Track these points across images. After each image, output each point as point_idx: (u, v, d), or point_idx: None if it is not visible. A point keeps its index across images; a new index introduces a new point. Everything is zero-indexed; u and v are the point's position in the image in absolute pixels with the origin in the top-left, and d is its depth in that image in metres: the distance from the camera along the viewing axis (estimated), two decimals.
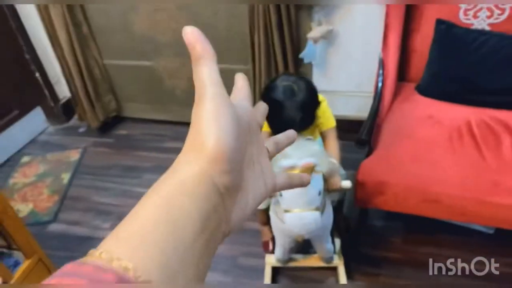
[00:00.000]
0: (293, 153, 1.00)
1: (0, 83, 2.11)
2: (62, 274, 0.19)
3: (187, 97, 2.22)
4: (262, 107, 0.34)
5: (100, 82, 2.24)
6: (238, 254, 1.58)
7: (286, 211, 1.02)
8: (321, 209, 1.09)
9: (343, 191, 1.37)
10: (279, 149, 0.34)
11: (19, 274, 1.21)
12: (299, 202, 1.00)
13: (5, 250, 1.29)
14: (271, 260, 1.45)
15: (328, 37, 1.75)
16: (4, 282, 1.16)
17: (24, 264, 1.24)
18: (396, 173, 1.26)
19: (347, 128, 1.74)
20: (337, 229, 1.54)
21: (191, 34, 0.25)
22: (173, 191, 0.23)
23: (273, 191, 0.30)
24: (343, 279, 1.40)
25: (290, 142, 0.37)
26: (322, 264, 1.43)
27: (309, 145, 1.03)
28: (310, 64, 1.87)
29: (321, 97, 1.23)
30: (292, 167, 0.99)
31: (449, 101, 1.51)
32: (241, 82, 0.31)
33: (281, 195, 1.03)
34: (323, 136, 1.29)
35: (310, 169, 0.95)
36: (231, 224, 0.26)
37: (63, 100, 2.45)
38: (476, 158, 1.28)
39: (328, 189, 1.15)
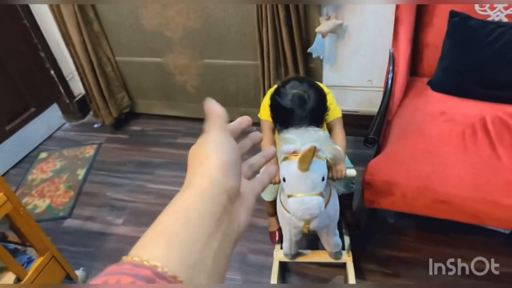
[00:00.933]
0: (297, 139, 0.99)
1: (17, 81, 2.17)
2: (106, 274, 0.22)
3: (199, 93, 2.22)
4: (248, 144, 0.41)
5: (113, 79, 2.27)
6: (247, 251, 1.59)
7: (289, 196, 1.01)
8: (325, 196, 1.08)
9: (349, 179, 1.35)
10: (253, 170, 0.40)
11: (32, 270, 1.25)
12: (302, 186, 0.99)
13: (19, 247, 1.34)
14: (279, 255, 1.45)
15: (338, 31, 1.70)
16: (18, 279, 1.21)
17: (37, 261, 1.29)
18: (404, 173, 1.23)
19: (358, 124, 1.71)
20: (347, 226, 1.53)
21: (211, 104, 0.34)
22: (188, 200, 0.28)
23: (256, 196, 0.37)
24: (351, 276, 1.38)
25: (268, 160, 0.42)
26: (330, 259, 1.42)
27: (313, 131, 1.02)
28: (320, 59, 1.83)
29: (326, 89, 1.20)
30: (294, 152, 0.98)
31: (462, 97, 1.45)
32: (239, 122, 0.39)
33: (284, 180, 1.02)
34: (329, 127, 1.27)
35: (312, 151, 0.93)
36: (241, 222, 0.31)
37: (78, 97, 2.50)
38: (490, 157, 1.23)
39: (332, 177, 1.14)
